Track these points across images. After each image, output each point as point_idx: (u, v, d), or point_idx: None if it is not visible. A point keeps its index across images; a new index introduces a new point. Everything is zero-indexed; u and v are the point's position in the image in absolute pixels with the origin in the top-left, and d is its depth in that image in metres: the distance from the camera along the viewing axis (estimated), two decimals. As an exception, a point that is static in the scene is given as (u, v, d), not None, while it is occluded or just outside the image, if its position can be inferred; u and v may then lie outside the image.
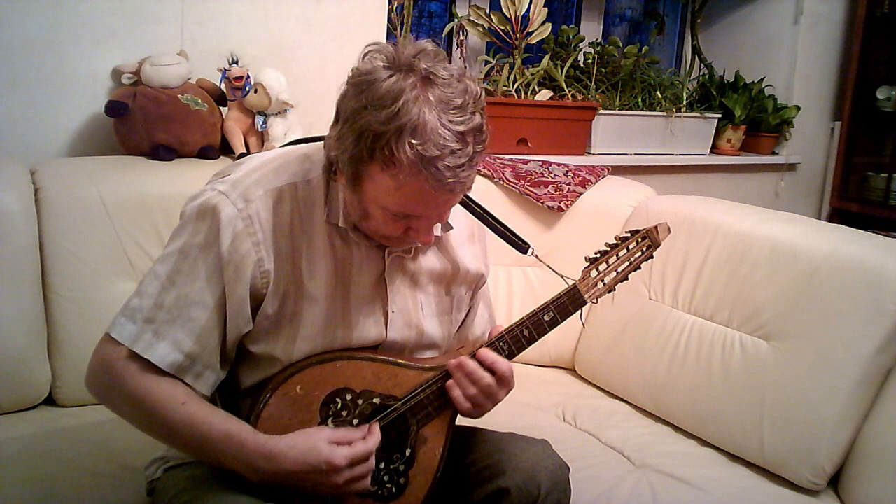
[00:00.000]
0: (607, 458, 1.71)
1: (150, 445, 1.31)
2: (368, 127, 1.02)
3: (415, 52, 1.06)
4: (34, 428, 1.63)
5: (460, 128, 1.03)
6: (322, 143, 1.17)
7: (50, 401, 1.72)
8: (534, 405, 1.93)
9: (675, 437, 1.84)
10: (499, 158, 2.34)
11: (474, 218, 1.35)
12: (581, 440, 1.79)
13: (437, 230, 1.26)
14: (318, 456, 1.09)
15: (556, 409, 1.93)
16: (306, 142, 1.28)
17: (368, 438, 1.14)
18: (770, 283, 1.77)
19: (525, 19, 2.62)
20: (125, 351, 1.11)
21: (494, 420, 1.82)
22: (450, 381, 1.21)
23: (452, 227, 1.30)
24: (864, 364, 1.59)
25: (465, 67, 1.11)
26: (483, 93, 1.09)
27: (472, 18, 2.63)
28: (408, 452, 1.22)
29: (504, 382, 1.23)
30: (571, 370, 2.18)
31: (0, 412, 1.65)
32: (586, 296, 1.27)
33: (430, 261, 1.29)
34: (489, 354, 1.21)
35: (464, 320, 1.42)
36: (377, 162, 1.04)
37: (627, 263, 1.30)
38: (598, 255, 1.29)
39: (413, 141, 1.01)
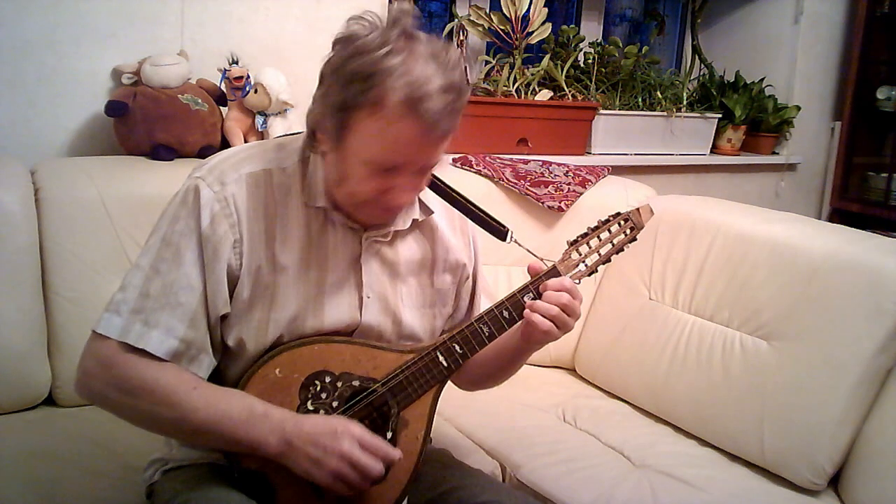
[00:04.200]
0: (607, 458, 1.71)
1: (150, 445, 1.31)
2: (358, 70, 1.05)
3: (397, 11, 1.09)
4: (34, 428, 1.63)
5: (443, 78, 1.06)
6: (298, 135, 1.19)
7: (50, 401, 1.72)
8: (534, 405, 1.93)
9: (675, 437, 1.84)
10: (499, 158, 2.34)
11: (455, 211, 1.34)
12: (581, 440, 1.79)
13: (416, 212, 1.27)
14: (339, 420, 1.12)
15: (556, 409, 1.93)
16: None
17: (391, 447, 1.14)
18: (770, 283, 1.77)
19: (525, 19, 2.62)
20: (118, 345, 1.11)
21: (495, 420, 1.83)
22: (527, 311, 1.21)
23: (433, 212, 1.30)
24: (864, 364, 1.59)
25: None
26: (461, 56, 1.12)
27: (472, 18, 2.63)
28: (389, 435, 1.21)
29: (575, 295, 1.24)
30: (571, 370, 2.19)
31: (0, 412, 1.65)
32: (567, 276, 1.26)
33: (409, 248, 1.29)
34: (556, 281, 1.23)
35: (467, 315, 1.41)
36: (364, 108, 1.05)
37: (610, 245, 1.29)
38: (580, 238, 1.28)
39: (400, 82, 1.03)
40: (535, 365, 2.14)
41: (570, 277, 1.26)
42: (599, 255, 1.29)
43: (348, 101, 1.06)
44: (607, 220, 1.30)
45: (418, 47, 1.06)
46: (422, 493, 1.29)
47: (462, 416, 1.83)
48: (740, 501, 1.59)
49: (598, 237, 1.29)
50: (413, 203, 1.26)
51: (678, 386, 1.87)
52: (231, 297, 1.17)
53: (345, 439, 1.10)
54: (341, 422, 1.12)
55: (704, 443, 1.80)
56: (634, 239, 1.31)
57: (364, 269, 1.24)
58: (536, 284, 1.24)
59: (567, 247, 1.28)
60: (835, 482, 1.65)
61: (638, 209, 1.31)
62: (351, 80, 1.05)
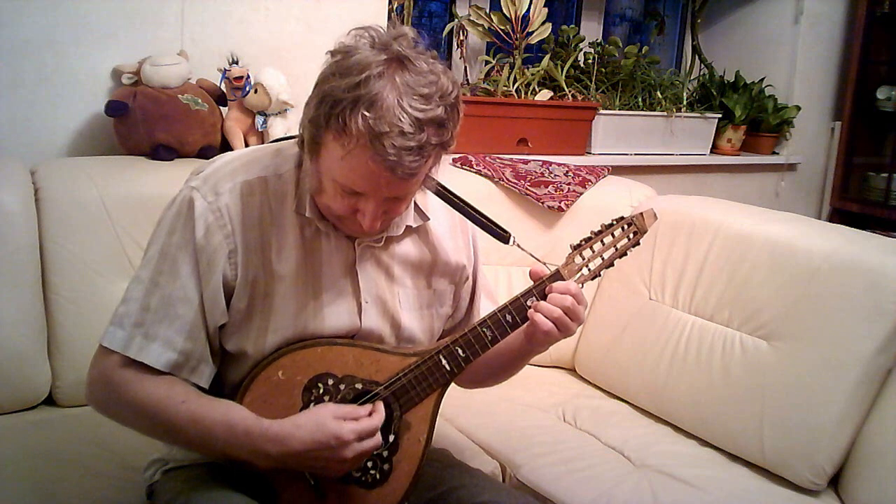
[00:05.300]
0: (607, 458, 1.71)
1: (150, 445, 1.31)
2: (330, 92, 1.03)
3: (395, 35, 1.07)
4: (34, 428, 1.63)
5: (419, 114, 1.02)
6: (296, 139, 1.18)
7: (50, 401, 1.72)
8: (534, 405, 1.94)
9: (675, 437, 1.84)
10: (499, 158, 2.34)
11: (456, 212, 1.34)
12: (581, 440, 1.79)
13: (410, 219, 1.26)
14: (326, 432, 1.10)
15: (556, 409, 1.93)
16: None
17: (374, 414, 1.15)
18: (770, 283, 1.77)
19: (525, 19, 2.62)
20: (120, 359, 1.13)
21: (495, 420, 1.83)
22: (530, 311, 1.22)
23: (430, 219, 1.29)
24: (864, 364, 1.59)
25: (446, 65, 1.10)
26: (458, 92, 1.08)
27: (472, 18, 2.63)
28: (391, 438, 1.21)
29: (580, 300, 1.23)
30: (571, 370, 2.19)
31: (0, 412, 1.65)
32: (571, 280, 1.25)
33: (406, 251, 1.28)
34: (561, 284, 1.23)
35: (467, 314, 1.41)
36: (331, 130, 1.04)
37: (613, 250, 1.29)
38: (583, 242, 1.28)
39: (366, 113, 1.01)
40: (535, 365, 2.13)
41: (573, 281, 1.26)
42: (602, 259, 1.28)
43: (320, 118, 1.05)
44: (611, 225, 1.29)
45: (402, 77, 1.03)
46: (422, 492, 1.29)
47: (462, 416, 1.83)
48: (740, 501, 1.59)
49: (602, 241, 1.28)
50: (408, 210, 1.25)
51: (678, 386, 1.87)
52: (228, 306, 1.17)
53: (342, 449, 1.10)
54: (331, 431, 1.10)
55: (704, 443, 1.80)
56: (638, 243, 1.30)
57: (360, 274, 1.23)
58: (540, 288, 1.24)
59: (570, 251, 1.27)
60: (835, 482, 1.65)
61: (641, 214, 1.30)
62: (323, 99, 1.04)
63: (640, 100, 2.86)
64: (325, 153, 1.08)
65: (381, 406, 1.17)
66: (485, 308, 1.42)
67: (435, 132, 1.05)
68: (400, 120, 1.01)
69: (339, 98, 1.02)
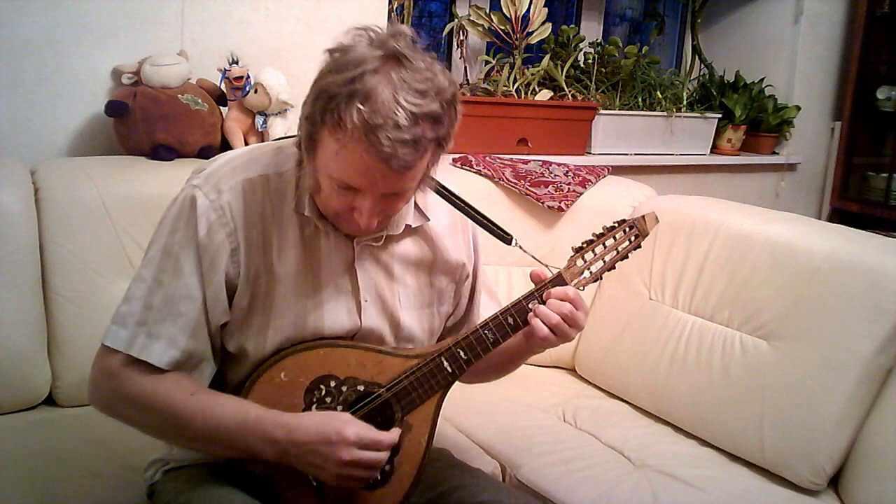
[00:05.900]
0: (607, 458, 1.71)
1: (151, 445, 1.32)
2: (326, 88, 1.04)
3: (393, 33, 1.07)
4: (34, 428, 1.63)
5: (414, 108, 1.02)
6: (296, 138, 1.18)
7: (50, 401, 1.73)
8: (534, 405, 1.94)
9: (675, 437, 1.84)
10: (499, 158, 2.34)
11: (457, 211, 1.33)
12: (581, 440, 1.79)
13: (410, 218, 1.26)
14: (331, 425, 1.11)
15: (556, 409, 1.93)
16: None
17: (387, 435, 1.15)
18: (770, 283, 1.77)
19: (525, 19, 2.62)
20: (123, 358, 1.13)
21: (495, 420, 1.83)
22: (530, 315, 1.22)
23: (429, 219, 1.29)
24: (864, 364, 1.59)
25: (444, 65, 1.10)
26: (454, 90, 1.08)
27: (472, 18, 2.63)
28: None
29: (579, 306, 1.23)
30: (571, 370, 2.19)
31: (0, 412, 1.65)
32: (571, 283, 1.25)
33: (406, 250, 1.28)
34: (559, 290, 1.22)
35: (467, 312, 1.41)
36: (326, 125, 1.04)
37: (615, 253, 1.29)
38: (585, 245, 1.28)
39: (361, 107, 1.01)
40: (535, 365, 2.14)
41: (575, 285, 1.26)
42: (604, 262, 1.29)
43: (316, 114, 1.05)
44: (612, 228, 1.29)
45: (398, 73, 1.03)
46: (422, 492, 1.29)
47: (462, 416, 1.83)
48: (740, 501, 1.59)
49: (604, 244, 1.28)
50: (407, 209, 1.25)
51: (678, 386, 1.87)
52: (230, 305, 1.17)
53: (341, 448, 1.10)
54: (335, 426, 1.11)
55: (704, 443, 1.80)
56: (639, 246, 1.31)
57: (359, 273, 1.23)
58: (541, 291, 1.24)
59: (572, 253, 1.28)
60: (835, 482, 1.65)
61: (643, 217, 1.31)
62: (319, 95, 1.05)
63: (640, 100, 2.86)
64: (321, 150, 1.08)
65: (396, 431, 1.17)
66: (485, 305, 1.42)
67: (430, 127, 1.05)
68: (395, 113, 1.01)
69: (334, 93, 1.02)
